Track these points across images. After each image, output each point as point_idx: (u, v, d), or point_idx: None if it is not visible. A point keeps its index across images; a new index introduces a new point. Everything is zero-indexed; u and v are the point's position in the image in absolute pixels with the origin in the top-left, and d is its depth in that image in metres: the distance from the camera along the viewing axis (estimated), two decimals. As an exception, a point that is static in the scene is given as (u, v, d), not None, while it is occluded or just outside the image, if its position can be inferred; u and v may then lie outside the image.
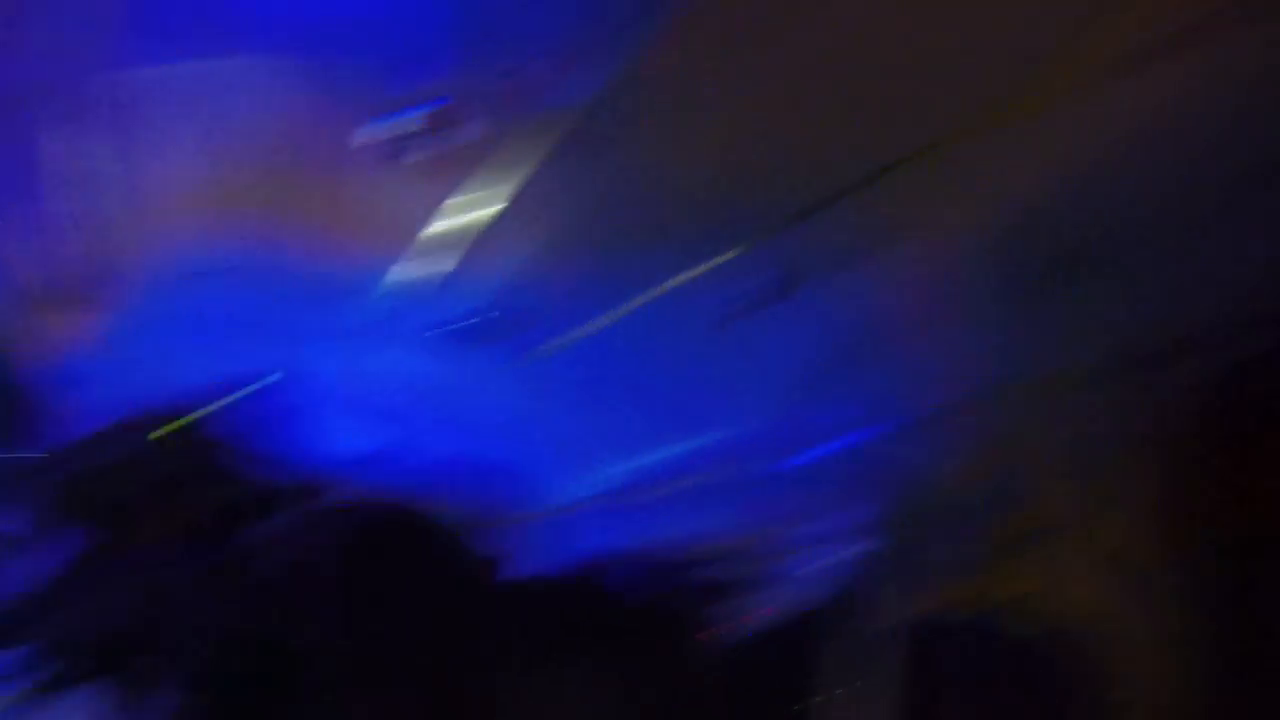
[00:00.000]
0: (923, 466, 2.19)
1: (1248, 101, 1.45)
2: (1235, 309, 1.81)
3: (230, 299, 2.20)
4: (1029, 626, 1.99)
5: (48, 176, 1.47)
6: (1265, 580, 1.78)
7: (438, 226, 1.74)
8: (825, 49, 1.37)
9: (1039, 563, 2.04)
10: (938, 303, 1.82)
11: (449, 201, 1.66)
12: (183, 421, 2.52)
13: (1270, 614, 1.79)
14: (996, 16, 1.31)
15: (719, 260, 1.78)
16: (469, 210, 1.70)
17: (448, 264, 1.88)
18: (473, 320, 2.08)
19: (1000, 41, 1.35)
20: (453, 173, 1.58)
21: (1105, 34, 1.31)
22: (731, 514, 2.77)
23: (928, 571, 2.17)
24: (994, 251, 1.71)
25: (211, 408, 2.55)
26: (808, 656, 2.27)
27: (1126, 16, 1.30)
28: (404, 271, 1.93)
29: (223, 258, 1.94)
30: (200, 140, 1.54)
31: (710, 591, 2.77)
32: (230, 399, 2.65)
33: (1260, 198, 1.59)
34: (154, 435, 2.30)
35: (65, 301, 1.67)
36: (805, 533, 2.68)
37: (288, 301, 2.19)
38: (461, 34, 1.37)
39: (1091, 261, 1.71)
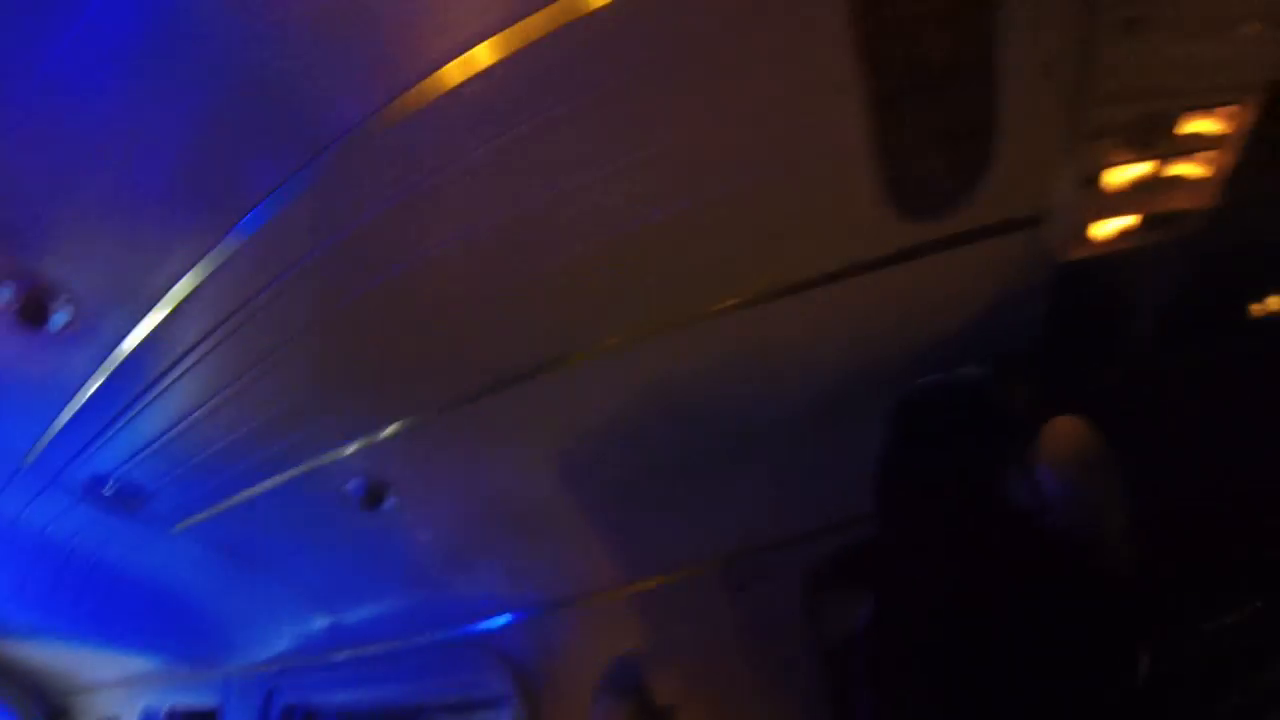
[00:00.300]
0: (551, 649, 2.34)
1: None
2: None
3: None
4: None
5: None
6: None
7: (81, 396, 1.80)
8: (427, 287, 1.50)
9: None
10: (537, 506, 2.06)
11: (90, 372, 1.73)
12: None
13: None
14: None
15: (319, 460, 1.94)
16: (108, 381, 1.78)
17: (91, 432, 1.94)
18: (116, 487, 2.10)
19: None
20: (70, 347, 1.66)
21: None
22: (396, 684, 2.80)
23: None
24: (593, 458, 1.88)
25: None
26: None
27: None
28: (48, 435, 1.97)
29: None
30: None
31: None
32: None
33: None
34: None
35: None
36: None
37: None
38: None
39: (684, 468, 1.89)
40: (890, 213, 1.28)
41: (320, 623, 2.76)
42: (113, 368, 1.72)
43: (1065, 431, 1.35)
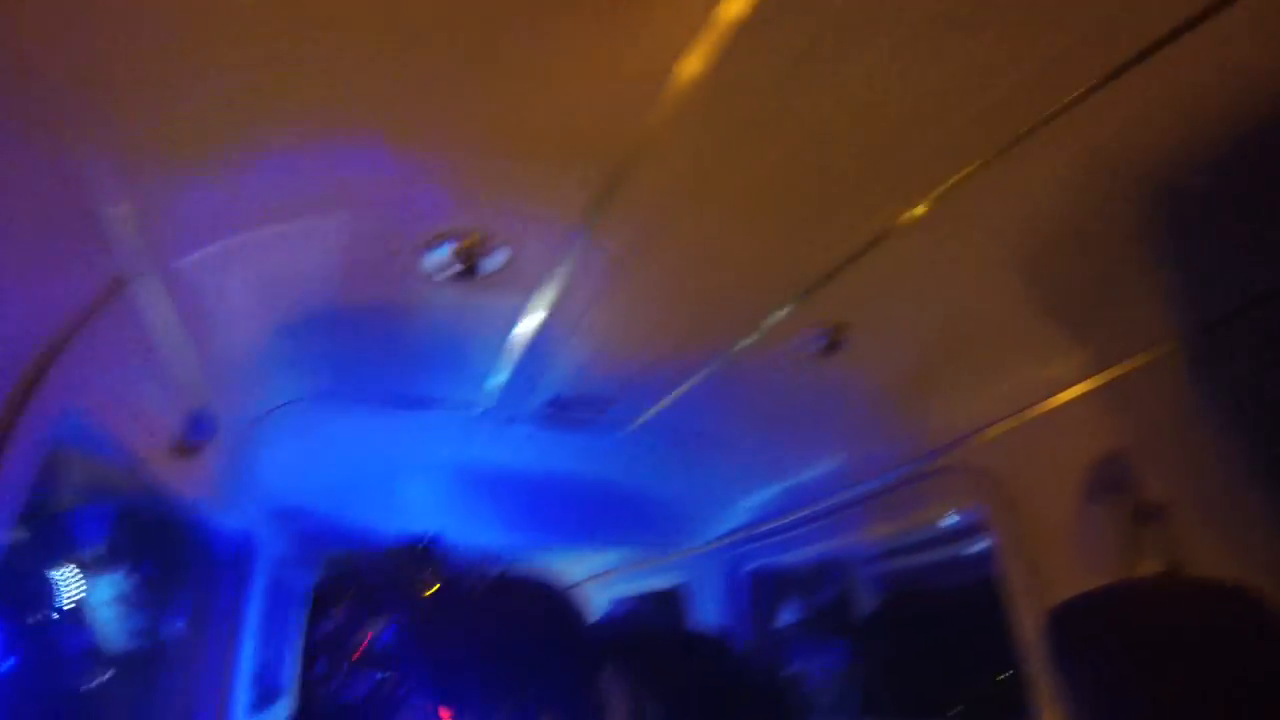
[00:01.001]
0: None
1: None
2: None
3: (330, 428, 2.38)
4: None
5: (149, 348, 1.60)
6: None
7: (508, 336, 1.85)
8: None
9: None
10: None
11: (507, 315, 1.75)
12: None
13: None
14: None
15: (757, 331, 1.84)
16: (525, 321, 1.81)
17: (526, 367, 2.00)
18: (561, 407, 2.19)
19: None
20: (500, 292, 1.67)
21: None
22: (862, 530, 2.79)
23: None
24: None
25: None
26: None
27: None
28: (499, 375, 2.06)
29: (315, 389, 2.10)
30: (271, 300, 1.68)
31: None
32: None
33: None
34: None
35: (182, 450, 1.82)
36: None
37: (392, 417, 2.36)
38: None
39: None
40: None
41: (776, 489, 2.76)
42: (547, 300, 1.72)
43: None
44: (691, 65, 1.18)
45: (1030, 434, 2.06)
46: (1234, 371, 1.69)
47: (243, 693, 2.52)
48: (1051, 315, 1.85)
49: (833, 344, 1.88)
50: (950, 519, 2.58)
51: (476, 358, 1.98)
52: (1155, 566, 1.77)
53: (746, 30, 1.12)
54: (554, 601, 1.45)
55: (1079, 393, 1.93)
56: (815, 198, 1.50)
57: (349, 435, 2.49)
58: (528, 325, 1.82)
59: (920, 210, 1.52)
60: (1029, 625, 2.02)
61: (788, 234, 1.60)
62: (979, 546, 2.53)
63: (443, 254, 1.56)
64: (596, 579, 3.95)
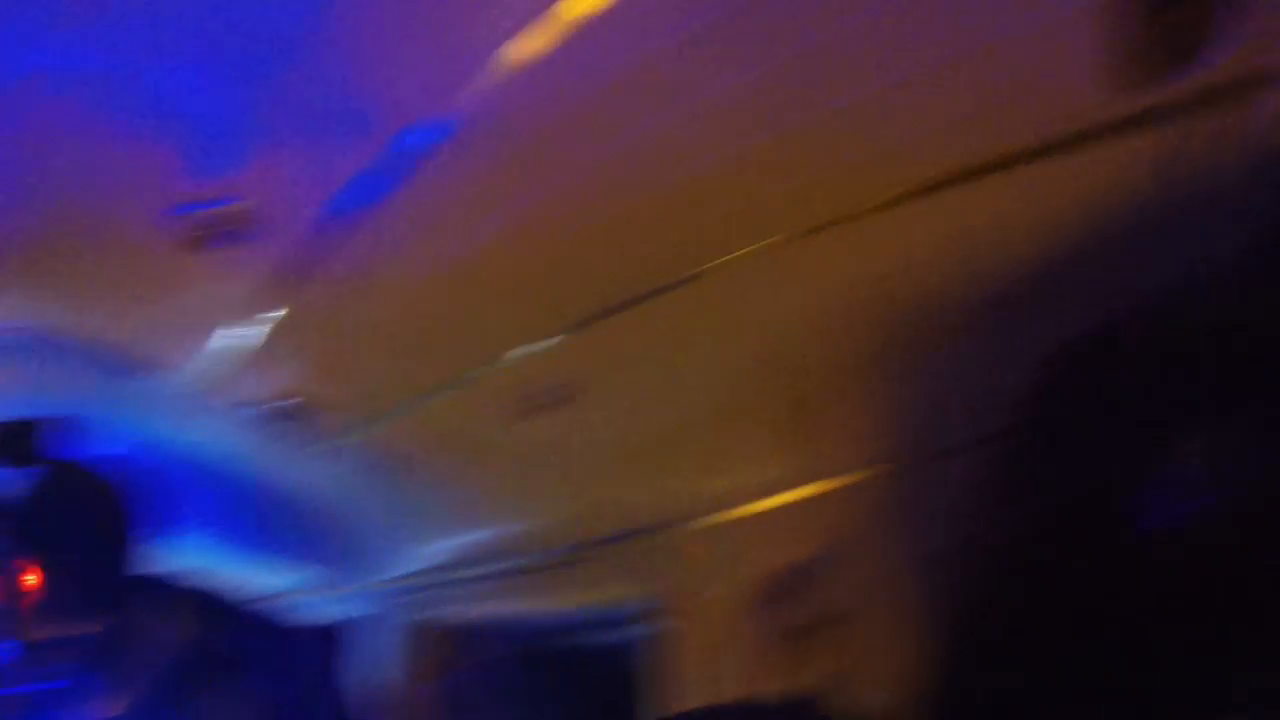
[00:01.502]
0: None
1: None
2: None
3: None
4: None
5: None
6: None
7: (237, 318, 1.80)
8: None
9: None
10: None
11: (245, 297, 1.72)
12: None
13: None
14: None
15: (499, 364, 1.87)
16: (263, 308, 1.77)
17: (247, 353, 1.94)
18: (273, 406, 2.12)
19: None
20: (250, 269, 1.65)
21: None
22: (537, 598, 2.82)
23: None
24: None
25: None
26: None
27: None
28: (205, 356, 1.97)
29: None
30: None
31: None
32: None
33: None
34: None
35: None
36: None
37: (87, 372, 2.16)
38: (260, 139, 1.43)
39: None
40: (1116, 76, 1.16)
41: (465, 538, 2.79)
42: (284, 291, 1.73)
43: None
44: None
45: (717, 536, 2.22)
46: (926, 506, 1.88)
47: None
48: (773, 420, 1.97)
49: (558, 399, 1.94)
50: (629, 603, 2.70)
51: (202, 339, 1.93)
52: (809, 683, 1.95)
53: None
54: None
55: (773, 504, 2.10)
56: (569, 253, 1.59)
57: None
58: (261, 315, 1.81)
59: (674, 285, 1.59)
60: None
61: (536, 281, 1.66)
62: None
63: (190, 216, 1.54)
64: (274, 598, 3.73)
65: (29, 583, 1.50)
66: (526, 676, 4.38)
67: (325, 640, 3.30)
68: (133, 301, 1.81)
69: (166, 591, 1.58)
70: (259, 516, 2.87)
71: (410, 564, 3.04)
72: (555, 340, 1.81)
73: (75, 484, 1.60)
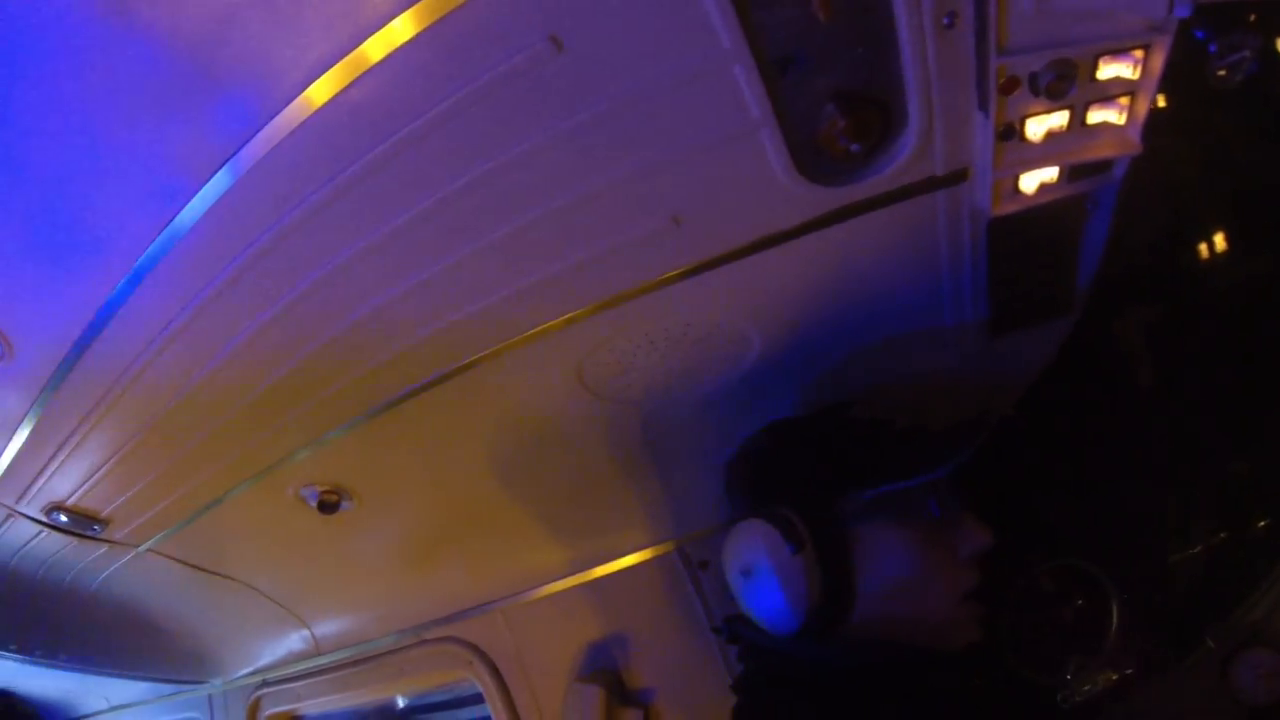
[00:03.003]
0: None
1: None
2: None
3: None
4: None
5: None
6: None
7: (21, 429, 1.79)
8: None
9: None
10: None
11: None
12: None
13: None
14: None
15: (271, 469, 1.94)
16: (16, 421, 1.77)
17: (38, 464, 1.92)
18: (73, 514, 2.09)
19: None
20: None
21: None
22: (375, 686, 2.81)
23: None
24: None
25: None
26: None
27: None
28: None
29: None
30: None
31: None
32: None
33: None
34: None
35: None
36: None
37: None
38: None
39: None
40: (804, 181, 1.24)
41: (298, 632, 2.76)
42: (48, 400, 1.69)
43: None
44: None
45: (533, 612, 2.32)
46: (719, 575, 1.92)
47: None
48: (544, 510, 2.10)
49: (333, 503, 1.98)
50: (461, 684, 2.77)
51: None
52: None
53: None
54: None
55: (576, 581, 2.24)
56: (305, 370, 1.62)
57: None
58: (18, 425, 1.77)
59: (418, 391, 1.65)
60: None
61: (281, 396, 1.68)
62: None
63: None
64: (114, 712, 3.60)
65: None
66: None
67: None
68: None
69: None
70: (65, 627, 2.79)
71: (249, 663, 3.00)
72: (311, 449, 1.85)
73: None
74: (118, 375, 1.64)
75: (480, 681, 2.41)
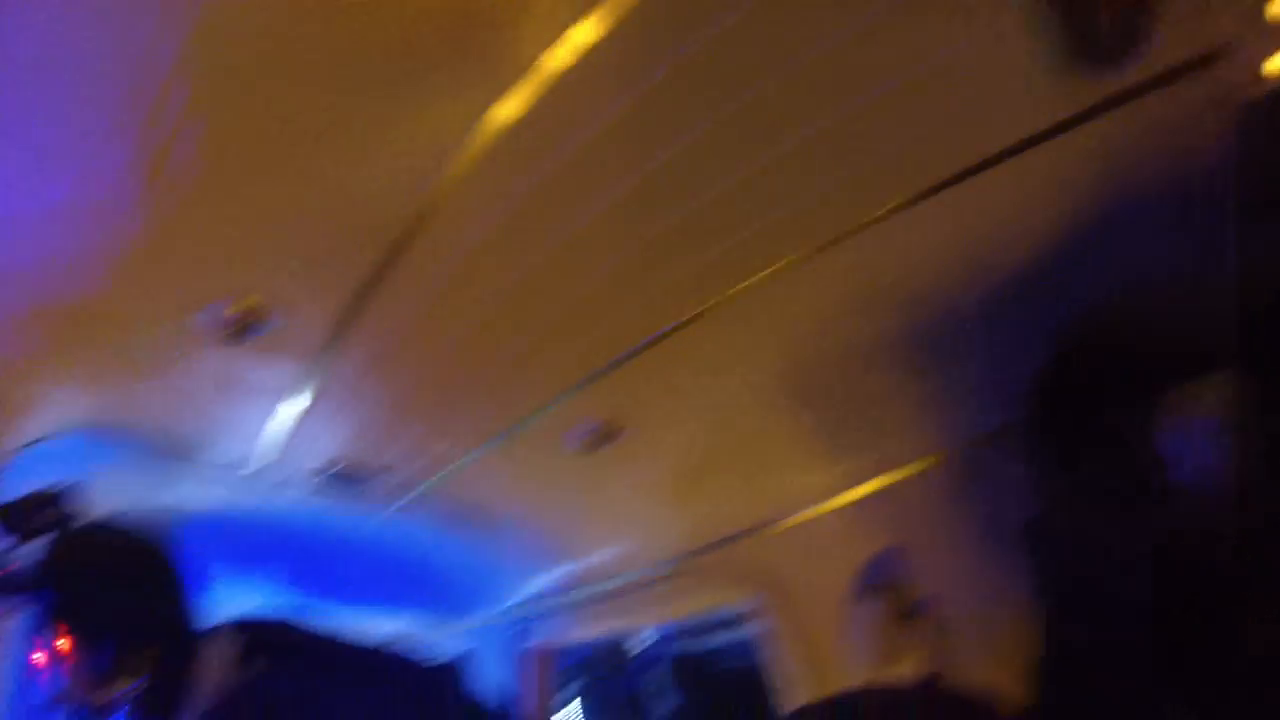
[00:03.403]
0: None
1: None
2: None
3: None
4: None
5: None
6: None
7: (277, 403, 1.79)
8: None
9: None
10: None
11: (276, 382, 1.70)
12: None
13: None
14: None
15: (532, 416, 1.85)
16: (295, 389, 1.74)
17: (298, 433, 1.93)
18: (333, 475, 2.12)
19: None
20: (270, 359, 1.62)
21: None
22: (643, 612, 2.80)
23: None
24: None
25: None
26: None
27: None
28: (249, 434, 1.96)
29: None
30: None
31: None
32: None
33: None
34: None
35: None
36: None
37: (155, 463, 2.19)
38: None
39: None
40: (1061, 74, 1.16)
41: (559, 568, 2.76)
42: (316, 367, 1.66)
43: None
44: (464, 157, 1.21)
45: (803, 534, 2.16)
46: (994, 485, 1.81)
47: None
48: (822, 426, 1.95)
49: (606, 436, 1.90)
50: (730, 608, 2.68)
51: (244, 422, 1.88)
52: (916, 666, 1.88)
53: (523, 131, 1.16)
54: None
55: (849, 499, 2.05)
56: (589, 297, 1.53)
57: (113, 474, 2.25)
58: (298, 393, 1.74)
59: (697, 317, 1.58)
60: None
61: (560, 328, 1.61)
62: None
63: (212, 317, 1.50)
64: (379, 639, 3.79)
65: (62, 648, 1.48)
66: (644, 687, 4.42)
67: (439, 675, 3.34)
68: (175, 394, 1.81)
69: (225, 639, 1.54)
70: (337, 570, 2.91)
71: (514, 595, 3.05)
72: (585, 385, 1.78)
73: (109, 543, 1.56)
74: (397, 327, 1.57)
75: (753, 604, 2.29)
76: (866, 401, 1.87)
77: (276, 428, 1.90)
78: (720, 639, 3.91)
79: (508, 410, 1.87)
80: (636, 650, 4.31)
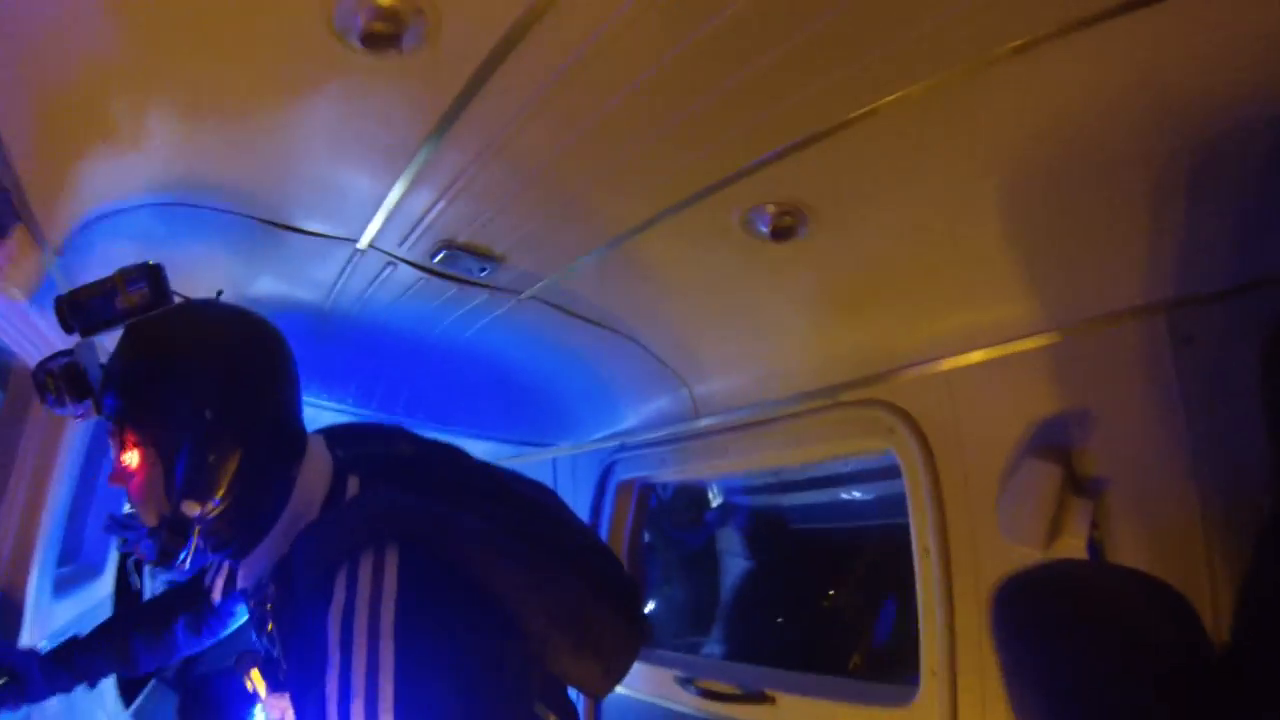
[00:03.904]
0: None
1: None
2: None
3: None
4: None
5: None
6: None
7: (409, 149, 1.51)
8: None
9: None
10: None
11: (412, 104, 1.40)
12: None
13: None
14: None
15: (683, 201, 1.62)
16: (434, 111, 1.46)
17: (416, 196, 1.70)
18: (448, 255, 1.90)
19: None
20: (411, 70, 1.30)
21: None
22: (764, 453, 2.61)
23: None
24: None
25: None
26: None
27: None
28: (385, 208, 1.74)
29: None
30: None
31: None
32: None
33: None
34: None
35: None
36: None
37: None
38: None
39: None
40: None
41: (675, 393, 2.54)
42: (458, 105, 1.36)
43: None
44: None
45: (970, 378, 1.90)
46: (1204, 355, 1.53)
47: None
48: (1018, 251, 1.65)
49: (777, 231, 1.62)
50: (865, 455, 2.42)
51: (359, 182, 1.63)
52: (1076, 540, 1.66)
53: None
54: None
55: (1030, 346, 1.77)
56: (784, 56, 1.22)
57: (199, 254, 2.03)
58: (427, 144, 1.47)
59: (904, 98, 1.29)
60: (937, 580, 1.90)
61: (743, 94, 1.32)
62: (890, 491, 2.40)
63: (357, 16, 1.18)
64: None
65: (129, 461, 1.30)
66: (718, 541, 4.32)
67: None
68: (285, 137, 1.49)
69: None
70: (429, 388, 2.74)
71: (606, 427, 2.88)
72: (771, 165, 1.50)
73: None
74: (546, 78, 1.29)
75: (901, 451, 2.04)
76: (1077, 234, 1.57)
77: (395, 193, 1.63)
78: (797, 500, 3.76)
79: (653, 193, 1.61)
80: (716, 502, 4.21)
